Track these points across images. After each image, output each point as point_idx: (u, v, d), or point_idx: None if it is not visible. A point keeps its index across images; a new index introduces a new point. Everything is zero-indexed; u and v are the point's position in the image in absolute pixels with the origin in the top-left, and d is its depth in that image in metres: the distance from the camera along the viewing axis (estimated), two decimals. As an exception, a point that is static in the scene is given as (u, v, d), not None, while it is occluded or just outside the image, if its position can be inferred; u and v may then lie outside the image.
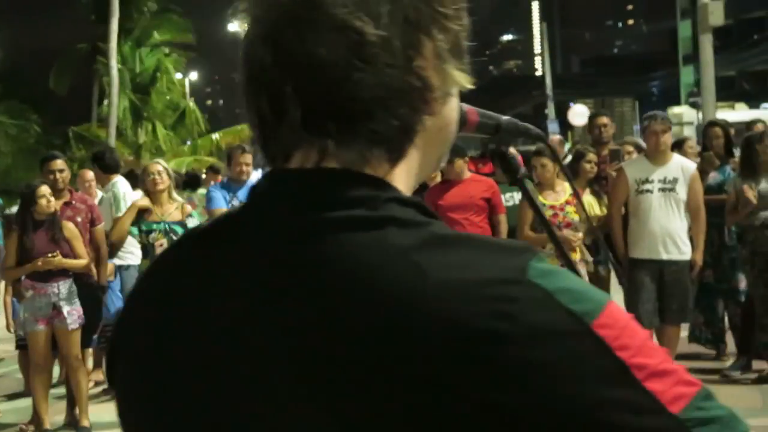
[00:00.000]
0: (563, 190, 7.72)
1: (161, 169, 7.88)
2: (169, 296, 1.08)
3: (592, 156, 8.19)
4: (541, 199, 7.66)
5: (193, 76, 40.86)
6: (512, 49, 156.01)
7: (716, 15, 20.61)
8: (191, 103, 29.37)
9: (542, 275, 0.91)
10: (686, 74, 63.61)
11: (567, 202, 7.65)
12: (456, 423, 0.87)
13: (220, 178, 12.92)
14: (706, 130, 8.96)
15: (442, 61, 1.02)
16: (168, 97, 27.52)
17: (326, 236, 0.96)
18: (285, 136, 1.03)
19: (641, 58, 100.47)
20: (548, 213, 7.61)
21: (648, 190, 7.51)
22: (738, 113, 33.16)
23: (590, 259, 7.87)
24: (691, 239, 7.64)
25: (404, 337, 0.89)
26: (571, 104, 31.10)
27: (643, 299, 7.49)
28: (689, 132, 25.63)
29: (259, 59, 1.03)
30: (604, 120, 9.14)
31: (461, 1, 1.06)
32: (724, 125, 9.03)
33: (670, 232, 7.49)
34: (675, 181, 7.49)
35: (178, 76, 29.31)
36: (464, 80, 1.06)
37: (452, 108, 1.08)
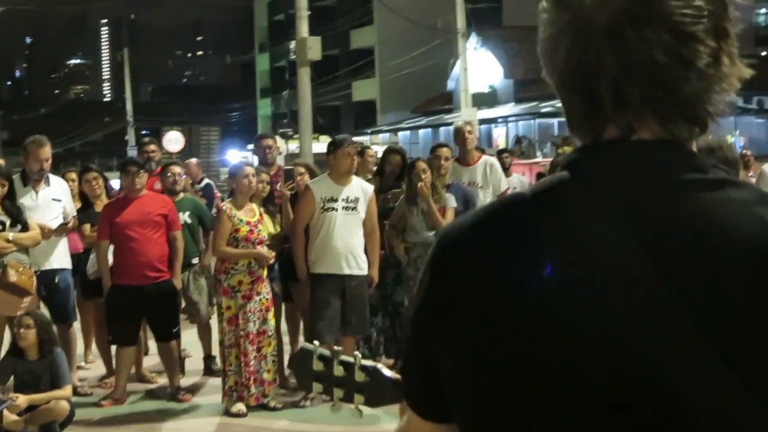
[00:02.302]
0: (253, 208, 7.87)
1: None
2: (528, 246, 1.27)
3: (264, 176, 8.38)
4: (239, 215, 7.75)
5: None
6: (80, 73, 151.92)
7: (314, 50, 21.52)
8: None
9: None
10: (263, 106, 66.02)
11: (259, 221, 7.79)
12: None
13: None
14: (386, 155, 9.34)
15: (733, 61, 1.28)
16: None
17: (687, 194, 1.24)
18: (623, 116, 1.27)
19: (213, 89, 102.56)
20: (245, 229, 7.72)
21: (333, 209, 7.84)
22: (323, 144, 35.11)
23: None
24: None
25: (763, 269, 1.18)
26: (165, 131, 31.11)
27: (326, 314, 7.79)
28: (280, 161, 26.68)
29: (597, 49, 1.25)
30: (269, 141, 9.38)
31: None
32: (402, 151, 9.59)
33: (352, 248, 7.88)
34: (357, 200, 7.90)
35: None
36: (746, 72, 1.31)
37: None
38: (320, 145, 31.13)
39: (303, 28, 21.57)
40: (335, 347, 1.86)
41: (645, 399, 1.18)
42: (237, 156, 51.46)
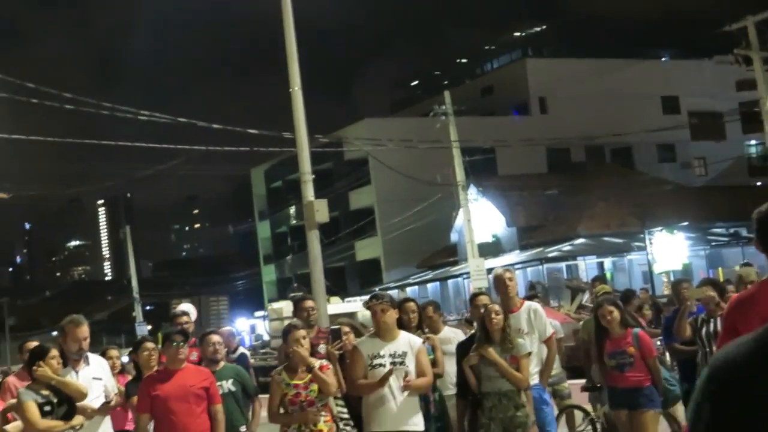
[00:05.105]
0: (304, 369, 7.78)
1: None
2: None
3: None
4: (286, 379, 7.66)
5: None
6: (79, 254, 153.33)
7: (321, 212, 21.62)
8: None
9: None
10: (268, 273, 66.34)
11: (311, 381, 7.69)
12: None
13: None
14: (401, 305, 9.26)
15: None
16: None
17: None
18: None
19: (214, 260, 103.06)
20: (291, 392, 7.61)
21: (381, 365, 7.74)
22: (334, 306, 35.17)
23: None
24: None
25: None
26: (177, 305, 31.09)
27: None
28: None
29: None
30: (311, 303, 9.38)
31: None
32: (413, 299, 9.61)
33: (404, 403, 7.74)
34: (404, 354, 7.81)
35: None
36: None
37: None
38: (332, 306, 31.15)
39: (309, 192, 21.68)
40: None
41: None
42: (246, 324, 51.65)
